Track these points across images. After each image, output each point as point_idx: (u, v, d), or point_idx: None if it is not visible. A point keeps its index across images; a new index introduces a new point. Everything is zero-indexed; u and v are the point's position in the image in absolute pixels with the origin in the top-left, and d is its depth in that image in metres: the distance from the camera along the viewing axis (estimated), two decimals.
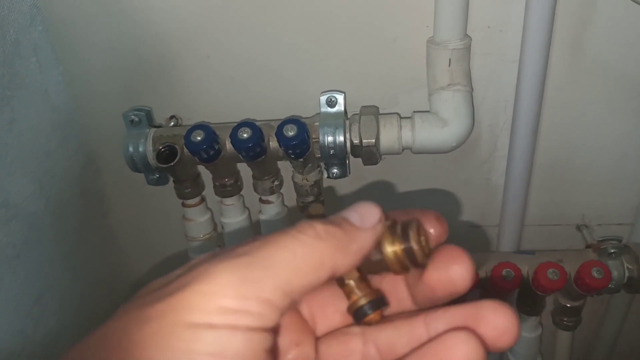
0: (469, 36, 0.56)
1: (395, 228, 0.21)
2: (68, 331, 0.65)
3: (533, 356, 0.72)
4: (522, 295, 0.67)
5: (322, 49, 0.60)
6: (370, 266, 0.21)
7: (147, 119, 0.61)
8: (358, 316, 0.21)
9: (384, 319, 0.22)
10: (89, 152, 0.70)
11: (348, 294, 0.22)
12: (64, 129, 0.65)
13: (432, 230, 0.22)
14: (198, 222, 0.66)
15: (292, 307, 0.20)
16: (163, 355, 0.17)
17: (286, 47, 0.61)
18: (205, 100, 0.65)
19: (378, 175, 0.69)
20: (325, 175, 0.61)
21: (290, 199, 0.67)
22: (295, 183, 0.63)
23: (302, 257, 0.19)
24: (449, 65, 0.55)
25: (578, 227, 0.72)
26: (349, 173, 0.61)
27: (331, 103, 0.57)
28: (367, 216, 0.21)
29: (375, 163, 0.58)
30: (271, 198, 0.64)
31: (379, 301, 0.22)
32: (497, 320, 0.19)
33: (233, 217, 0.66)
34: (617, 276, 0.61)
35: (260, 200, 0.65)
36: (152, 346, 0.17)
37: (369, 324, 0.22)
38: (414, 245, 0.21)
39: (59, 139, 0.64)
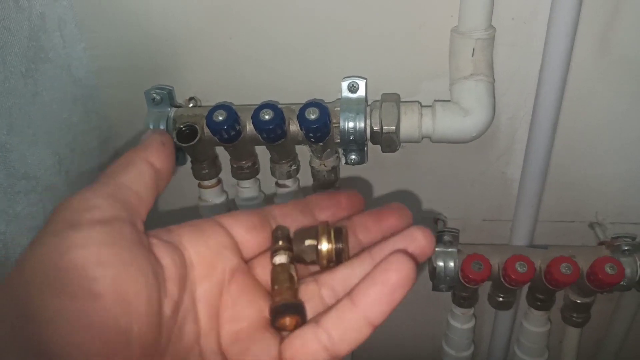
0: (494, 26, 0.56)
1: (330, 230, 0.25)
2: None
3: (541, 351, 0.72)
4: (533, 290, 0.68)
5: (345, 34, 0.61)
6: (303, 258, 0.25)
7: (168, 98, 0.61)
8: (275, 317, 0.23)
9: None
10: (108, 128, 0.70)
11: (274, 294, 0.24)
12: (85, 104, 0.65)
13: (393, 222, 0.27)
14: (213, 203, 0.67)
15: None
16: (43, 262, 0.20)
17: (310, 31, 0.61)
18: (226, 81, 0.65)
19: (395, 164, 0.69)
20: (343, 161, 0.61)
21: (306, 185, 0.67)
22: (312, 168, 0.63)
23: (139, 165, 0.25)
24: (472, 55, 0.55)
25: (591, 225, 0.72)
26: (367, 160, 0.61)
27: (353, 89, 0.57)
28: (149, 134, 0.26)
29: (394, 150, 0.58)
30: (288, 182, 0.65)
31: (297, 309, 0.24)
32: (422, 242, 0.24)
33: (249, 200, 0.66)
34: (630, 273, 0.61)
35: (277, 184, 0.65)
36: (35, 256, 0.20)
37: (283, 328, 0.23)
38: (345, 246, 0.25)
39: (80, 113, 0.65)
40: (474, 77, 0.56)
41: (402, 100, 0.60)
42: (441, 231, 0.66)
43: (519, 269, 0.61)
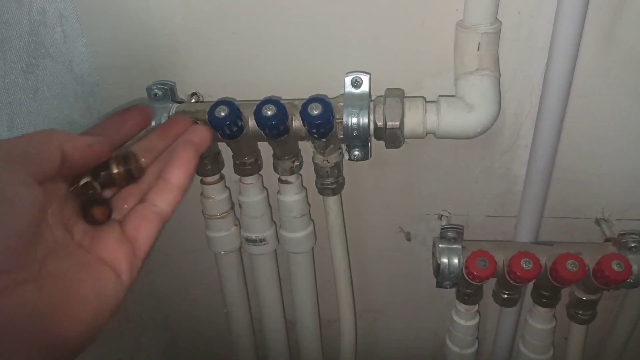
0: (499, 20, 0.55)
1: (120, 157, 0.33)
2: None
3: (546, 348, 0.71)
4: (538, 287, 0.67)
5: (348, 29, 0.60)
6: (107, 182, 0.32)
7: (170, 93, 0.60)
8: (85, 208, 0.31)
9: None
10: None
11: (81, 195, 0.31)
12: (86, 100, 0.65)
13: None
14: (216, 199, 0.66)
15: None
16: None
17: (313, 26, 0.60)
18: (229, 77, 0.65)
19: (398, 160, 0.68)
20: (347, 157, 0.61)
21: (309, 181, 0.67)
22: (315, 164, 0.62)
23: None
24: (478, 50, 0.55)
25: (597, 221, 0.71)
26: (370, 156, 0.60)
27: (356, 84, 0.56)
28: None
29: (398, 146, 0.58)
30: (290, 178, 0.64)
31: (104, 201, 0.32)
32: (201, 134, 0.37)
33: (251, 196, 0.66)
34: (637, 270, 0.60)
35: (280, 180, 0.65)
36: None
37: (94, 220, 0.31)
38: (134, 165, 0.33)
39: (82, 109, 0.64)
40: (479, 72, 0.55)
41: (406, 96, 0.59)
42: (445, 227, 0.65)
43: (524, 265, 0.60)
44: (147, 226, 0.31)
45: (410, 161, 0.68)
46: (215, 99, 0.64)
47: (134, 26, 0.63)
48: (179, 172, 0.33)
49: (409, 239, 0.77)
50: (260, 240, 0.69)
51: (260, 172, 0.66)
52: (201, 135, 0.36)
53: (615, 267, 0.58)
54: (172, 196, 0.32)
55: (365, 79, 0.56)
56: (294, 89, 0.63)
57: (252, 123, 0.57)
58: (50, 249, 0.27)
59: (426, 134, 0.57)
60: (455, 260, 0.64)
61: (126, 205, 0.32)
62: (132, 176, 0.32)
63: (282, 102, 0.55)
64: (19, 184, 0.25)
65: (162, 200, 0.32)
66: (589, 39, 0.57)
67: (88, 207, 0.30)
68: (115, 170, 0.32)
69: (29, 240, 0.25)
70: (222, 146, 0.65)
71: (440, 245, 0.65)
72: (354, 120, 0.55)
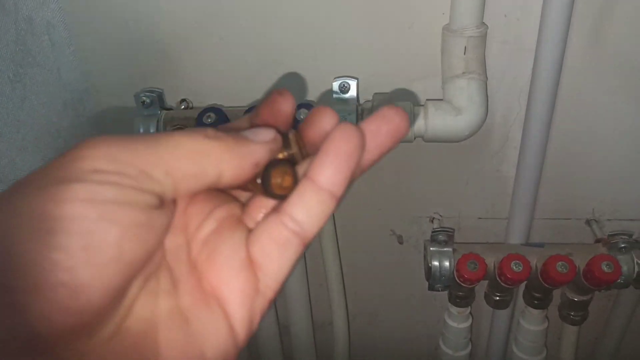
0: (486, 24, 0.56)
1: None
2: None
3: (539, 349, 0.72)
4: (530, 288, 0.67)
5: (336, 34, 0.60)
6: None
7: (158, 100, 0.60)
8: (266, 176, 0.22)
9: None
10: (99, 132, 0.70)
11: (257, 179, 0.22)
12: (75, 108, 0.65)
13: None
14: None
15: (187, 198, 0.21)
16: (31, 207, 0.17)
17: (300, 31, 0.60)
18: (218, 83, 0.65)
19: (388, 164, 0.68)
20: None
21: None
22: None
23: (187, 146, 0.19)
24: (465, 53, 0.55)
25: (588, 222, 0.71)
26: None
27: (344, 89, 0.57)
28: (260, 133, 0.22)
29: None
30: None
31: (289, 164, 0.22)
32: (396, 119, 0.23)
33: None
34: (627, 271, 0.61)
35: None
36: (22, 201, 0.17)
37: (278, 189, 0.22)
38: (294, 150, 0.23)
39: (71, 117, 0.64)
40: (466, 76, 0.55)
41: (393, 100, 0.59)
42: (436, 230, 0.65)
43: (514, 268, 0.60)
44: (281, 251, 0.21)
45: (401, 165, 0.68)
46: (205, 105, 0.64)
47: (123, 33, 0.63)
48: (333, 172, 0.21)
49: (401, 242, 0.77)
50: None
51: None
52: (397, 120, 0.23)
53: (605, 268, 0.58)
54: (319, 207, 0.21)
55: (352, 83, 0.56)
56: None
57: None
58: (151, 272, 0.20)
59: (414, 138, 0.58)
60: (447, 263, 0.64)
61: (261, 214, 0.23)
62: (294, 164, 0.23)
63: None
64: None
65: (304, 212, 0.21)
66: (576, 41, 0.57)
67: (270, 170, 0.21)
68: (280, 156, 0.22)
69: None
70: None
71: (431, 249, 0.65)
72: None
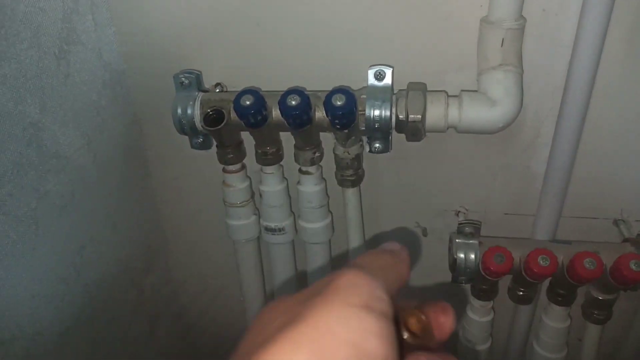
0: (524, 17, 0.56)
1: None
2: (106, 283, 0.67)
3: (560, 347, 0.72)
4: (555, 285, 0.67)
5: (372, 22, 0.61)
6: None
7: (196, 82, 0.62)
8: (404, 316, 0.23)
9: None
10: (135, 112, 0.71)
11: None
12: (113, 88, 0.67)
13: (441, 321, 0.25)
14: (238, 188, 0.67)
15: None
16: (345, 333, 0.19)
17: (337, 18, 0.61)
18: (253, 68, 0.66)
19: (418, 154, 0.69)
20: (367, 149, 0.61)
21: (328, 172, 0.68)
22: (336, 155, 0.63)
23: (382, 262, 0.24)
24: (502, 45, 0.55)
25: (615, 222, 0.71)
26: (391, 149, 0.61)
27: (379, 77, 0.57)
28: (394, 245, 0.26)
29: (419, 140, 0.58)
30: (311, 169, 0.65)
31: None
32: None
33: (272, 186, 0.67)
34: None
35: (300, 170, 0.66)
36: (336, 323, 0.19)
37: (407, 327, 0.23)
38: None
39: (109, 96, 0.66)
40: (503, 68, 0.55)
41: (428, 90, 0.59)
42: (462, 223, 0.66)
43: (541, 262, 0.60)
44: None
45: (429, 156, 0.69)
46: (238, 89, 0.65)
47: (162, 17, 0.64)
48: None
49: (425, 235, 0.77)
50: (279, 230, 0.70)
51: (281, 163, 0.67)
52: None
53: (634, 267, 0.58)
54: None
55: (388, 72, 0.57)
56: (317, 80, 0.64)
57: (275, 113, 0.58)
58: None
59: (447, 128, 0.58)
60: (472, 256, 0.64)
61: None
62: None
63: (306, 92, 0.56)
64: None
65: None
66: (614, 39, 0.57)
67: (407, 313, 0.23)
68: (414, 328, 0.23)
69: None
70: (244, 135, 0.66)
71: (457, 241, 0.65)
72: (376, 112, 0.56)
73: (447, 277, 0.69)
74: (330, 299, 0.20)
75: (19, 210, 0.53)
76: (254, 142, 0.64)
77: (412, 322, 0.23)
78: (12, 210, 0.52)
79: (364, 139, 0.62)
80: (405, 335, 0.22)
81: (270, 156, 0.64)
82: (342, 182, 0.65)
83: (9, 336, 0.53)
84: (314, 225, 0.69)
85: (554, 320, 0.70)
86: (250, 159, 0.68)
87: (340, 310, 0.19)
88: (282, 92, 0.56)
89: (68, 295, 0.61)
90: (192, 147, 0.65)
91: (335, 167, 0.65)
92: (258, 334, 0.21)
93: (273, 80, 0.65)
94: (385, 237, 0.78)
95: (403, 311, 0.23)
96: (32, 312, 0.56)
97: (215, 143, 0.65)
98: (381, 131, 0.57)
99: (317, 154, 0.64)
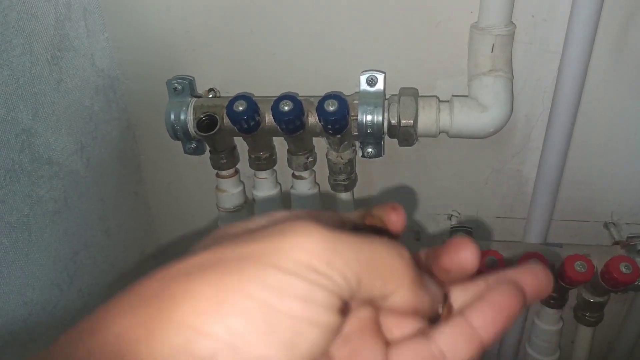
0: (514, 23, 0.56)
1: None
2: (100, 289, 0.67)
3: (552, 350, 0.72)
4: None
5: (364, 29, 0.61)
6: None
7: (189, 88, 0.62)
8: None
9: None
10: (128, 118, 0.71)
11: None
12: (106, 93, 0.67)
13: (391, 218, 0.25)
14: (231, 193, 0.68)
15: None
16: (259, 291, 0.18)
17: (329, 25, 0.61)
18: (246, 74, 0.66)
19: (410, 159, 0.69)
20: (360, 154, 0.62)
21: (321, 177, 0.68)
22: (329, 160, 0.64)
23: (386, 262, 0.20)
24: (492, 51, 0.56)
25: (606, 225, 0.72)
26: (384, 153, 0.62)
27: (371, 82, 0.58)
28: (432, 289, 0.23)
29: (411, 144, 0.59)
30: (304, 174, 0.65)
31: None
32: (543, 279, 0.23)
33: (265, 191, 0.67)
34: None
35: (293, 175, 0.66)
36: (250, 281, 0.18)
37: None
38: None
39: (102, 102, 0.66)
40: (493, 73, 0.56)
41: (419, 95, 0.60)
42: (454, 227, 0.66)
43: None
44: (464, 352, 0.21)
45: (421, 160, 0.69)
46: (231, 95, 0.65)
47: (155, 23, 0.64)
48: (491, 321, 0.22)
49: (417, 239, 0.78)
50: None
51: (274, 167, 0.67)
52: (540, 280, 0.23)
53: (624, 269, 0.59)
54: (465, 346, 0.21)
55: (380, 77, 0.57)
56: (309, 86, 0.64)
57: (268, 118, 0.58)
58: None
59: (439, 133, 0.58)
60: None
61: (398, 329, 0.23)
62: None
63: (298, 98, 0.56)
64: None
65: (450, 346, 0.21)
66: (602, 44, 0.58)
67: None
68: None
69: None
70: (238, 140, 0.66)
71: None
72: (369, 117, 0.57)
73: None
74: (264, 257, 0.18)
75: (12, 217, 0.53)
76: (247, 147, 0.65)
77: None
78: (4, 216, 0.52)
79: (357, 143, 0.62)
80: None
81: (263, 161, 0.65)
82: (335, 187, 0.66)
83: (1, 343, 0.53)
84: None
85: (546, 322, 0.70)
86: (243, 164, 0.68)
87: (264, 271, 0.18)
88: (275, 98, 0.56)
89: (62, 301, 0.61)
90: (185, 152, 0.66)
91: (328, 171, 0.65)
92: (191, 258, 0.20)
93: (266, 86, 0.65)
94: None
95: (357, 217, 0.22)
96: (25, 319, 0.56)
97: (208, 148, 0.65)
98: (373, 136, 0.58)
99: (310, 159, 0.64)
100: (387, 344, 0.22)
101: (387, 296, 0.21)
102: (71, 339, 0.19)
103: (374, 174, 0.72)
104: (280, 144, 0.66)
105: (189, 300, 0.18)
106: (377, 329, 0.22)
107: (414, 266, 0.21)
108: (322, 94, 0.59)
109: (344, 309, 0.20)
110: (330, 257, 0.19)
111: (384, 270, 0.20)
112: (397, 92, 0.60)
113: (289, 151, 0.64)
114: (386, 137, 0.59)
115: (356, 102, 0.57)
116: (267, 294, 0.18)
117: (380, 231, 0.24)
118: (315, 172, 0.67)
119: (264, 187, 0.67)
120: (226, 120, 0.58)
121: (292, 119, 0.55)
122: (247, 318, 0.17)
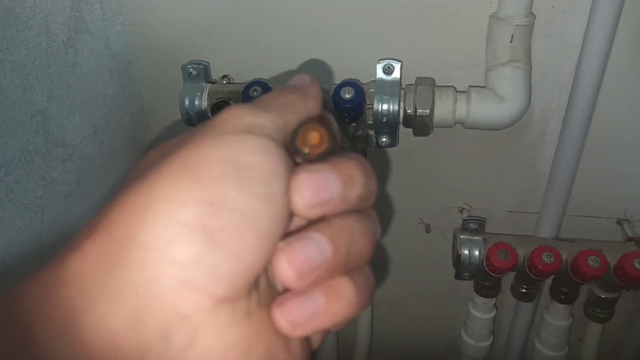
0: (534, 14, 0.56)
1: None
2: None
3: (561, 345, 0.72)
4: (558, 282, 0.67)
5: (381, 17, 0.61)
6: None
7: (204, 73, 0.62)
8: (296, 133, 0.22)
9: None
10: (141, 103, 0.71)
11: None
12: (120, 78, 0.66)
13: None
14: None
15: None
16: (223, 152, 0.19)
17: (346, 13, 0.61)
18: (260, 61, 0.66)
19: (424, 150, 0.69)
20: (374, 143, 0.61)
21: None
22: (342, 149, 0.63)
23: (285, 101, 0.23)
24: (511, 42, 0.55)
25: (619, 221, 0.71)
26: (398, 143, 0.61)
27: (388, 71, 0.57)
28: (303, 79, 0.25)
29: (427, 134, 0.58)
30: None
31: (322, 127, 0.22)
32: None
33: None
34: None
35: None
36: (211, 148, 0.19)
37: (305, 145, 0.21)
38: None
39: (116, 86, 0.66)
40: (511, 64, 0.55)
41: (436, 85, 0.60)
42: (467, 219, 0.66)
43: (545, 259, 0.61)
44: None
45: (435, 152, 0.69)
46: (245, 82, 0.65)
47: (170, 7, 0.64)
48: None
49: (428, 231, 0.77)
50: None
51: None
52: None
53: (637, 265, 0.59)
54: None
55: (397, 66, 0.57)
56: (325, 73, 0.64)
57: None
58: None
59: (455, 124, 0.58)
60: (476, 252, 0.64)
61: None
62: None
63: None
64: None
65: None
66: (622, 38, 0.57)
67: (298, 127, 0.21)
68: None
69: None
70: None
71: (461, 237, 0.65)
72: (385, 106, 0.56)
73: (450, 273, 0.69)
74: (207, 130, 0.20)
75: (26, 198, 0.53)
76: None
77: (313, 136, 0.22)
78: (18, 197, 0.52)
79: (372, 132, 0.62)
80: (307, 150, 0.21)
81: None
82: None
83: None
84: None
85: (556, 318, 0.70)
86: None
87: (214, 137, 0.20)
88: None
89: None
90: None
91: None
92: (132, 174, 0.22)
93: (281, 73, 0.65)
94: (388, 232, 0.78)
95: (301, 131, 0.22)
96: None
97: None
98: (389, 125, 0.57)
99: None
100: None
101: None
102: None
103: (387, 164, 0.71)
104: None
105: (163, 179, 0.19)
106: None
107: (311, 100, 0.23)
108: (338, 82, 0.58)
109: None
110: (257, 111, 0.21)
111: (290, 108, 0.22)
112: (413, 82, 0.60)
113: None
114: (401, 126, 0.59)
115: (372, 90, 0.57)
116: (230, 153, 0.19)
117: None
118: None
119: None
120: None
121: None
122: (222, 180, 0.19)
